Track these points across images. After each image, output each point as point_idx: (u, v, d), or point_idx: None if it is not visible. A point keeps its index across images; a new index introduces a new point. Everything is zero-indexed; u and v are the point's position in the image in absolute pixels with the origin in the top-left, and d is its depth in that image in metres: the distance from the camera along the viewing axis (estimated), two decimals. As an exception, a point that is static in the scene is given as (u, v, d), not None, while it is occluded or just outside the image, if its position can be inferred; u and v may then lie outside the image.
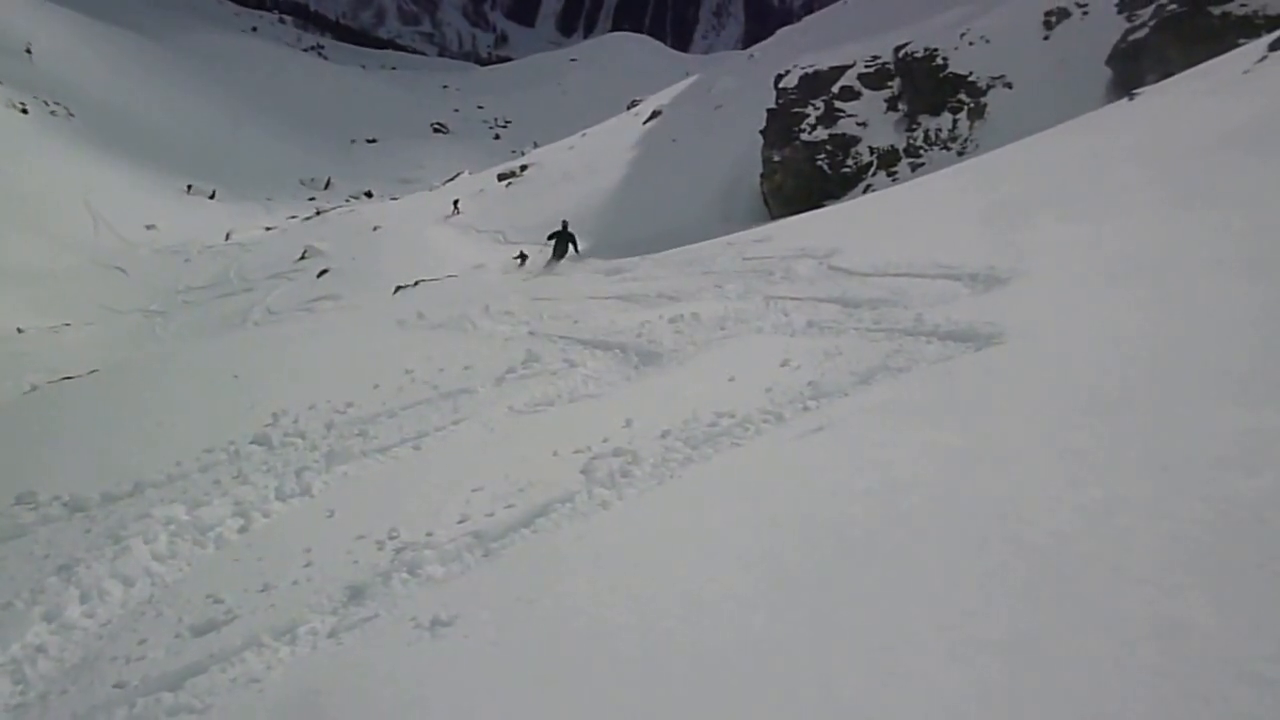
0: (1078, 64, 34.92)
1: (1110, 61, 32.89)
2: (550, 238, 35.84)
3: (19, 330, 40.70)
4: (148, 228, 72.30)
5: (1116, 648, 3.06)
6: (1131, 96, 21.99)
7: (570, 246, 34.81)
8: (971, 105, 38.12)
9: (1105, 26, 34.61)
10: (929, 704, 3.06)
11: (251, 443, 8.94)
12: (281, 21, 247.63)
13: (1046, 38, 38.06)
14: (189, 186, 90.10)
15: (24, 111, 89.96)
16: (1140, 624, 3.15)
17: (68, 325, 43.08)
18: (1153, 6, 32.02)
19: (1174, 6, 30.34)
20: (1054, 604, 3.39)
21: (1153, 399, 5.24)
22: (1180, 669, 2.88)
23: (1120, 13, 34.72)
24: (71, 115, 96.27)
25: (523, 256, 43.35)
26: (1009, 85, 37.64)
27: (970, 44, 39.53)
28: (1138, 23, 32.40)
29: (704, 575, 4.45)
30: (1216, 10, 28.75)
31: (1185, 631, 3.05)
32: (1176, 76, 22.36)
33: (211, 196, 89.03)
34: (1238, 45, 22.60)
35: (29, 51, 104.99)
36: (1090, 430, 4.96)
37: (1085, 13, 37.46)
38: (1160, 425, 4.82)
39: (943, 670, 3.20)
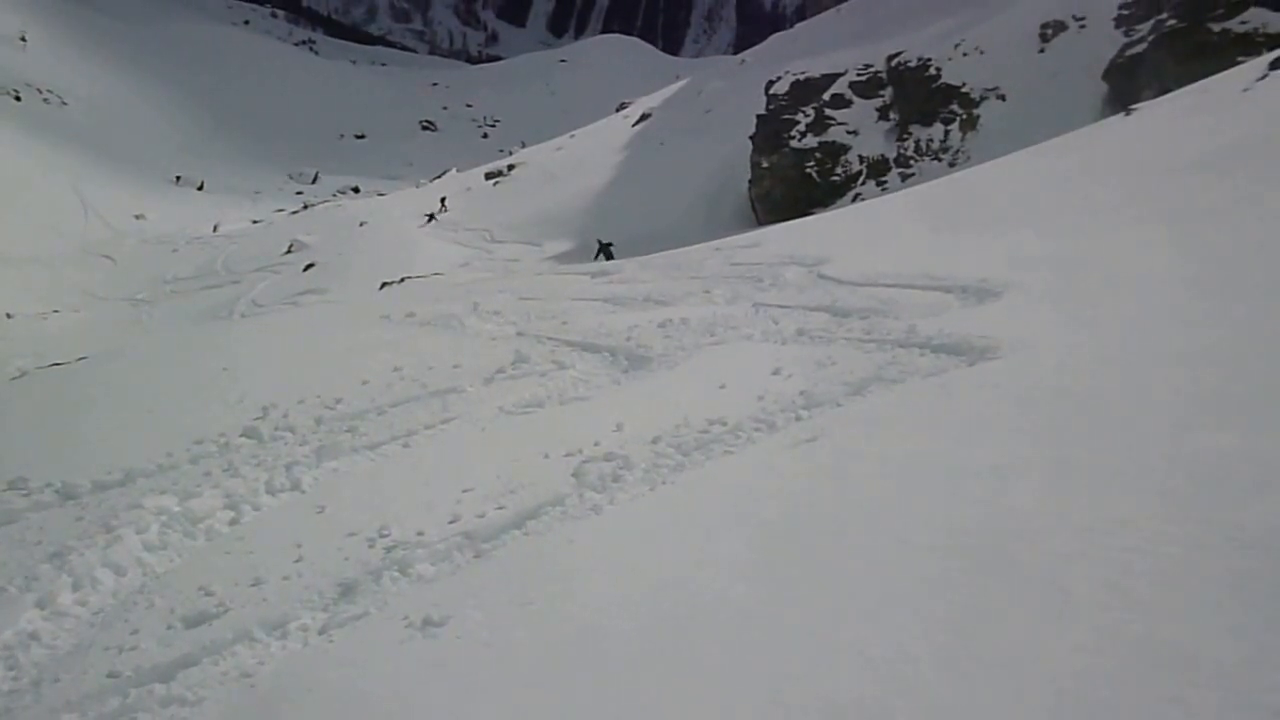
0: (1073, 78, 35.00)
1: (1106, 76, 33.02)
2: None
3: (8, 316, 40.68)
4: (136, 217, 72.36)
5: (1123, 672, 3.07)
6: (1128, 112, 22.05)
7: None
8: (964, 116, 38.25)
9: (1102, 41, 34.71)
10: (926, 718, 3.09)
11: (241, 435, 8.92)
12: (274, 16, 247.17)
13: (1042, 50, 38.17)
14: (178, 177, 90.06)
15: (17, 99, 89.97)
16: (1144, 649, 3.15)
17: (56, 312, 43.09)
18: (1151, 21, 32.15)
19: (1173, 22, 30.45)
20: (1054, 626, 3.39)
21: (1153, 416, 5.27)
22: (1185, 695, 2.89)
23: (1118, 27, 34.88)
24: (64, 104, 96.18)
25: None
26: (1002, 97, 37.76)
27: (964, 55, 39.65)
28: (1135, 38, 32.53)
29: (698, 583, 4.46)
30: (1216, 27, 28.84)
31: (1191, 659, 3.05)
32: (1174, 93, 22.38)
33: (200, 188, 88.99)
34: (1237, 63, 22.66)
35: (23, 40, 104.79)
36: (1090, 449, 4.97)
37: (1082, 26, 37.56)
38: (1162, 445, 4.84)
39: (943, 687, 3.21)
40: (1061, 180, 16.44)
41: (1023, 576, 3.78)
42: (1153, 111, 20.46)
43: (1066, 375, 6.50)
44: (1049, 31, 38.44)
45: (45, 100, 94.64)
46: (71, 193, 73.26)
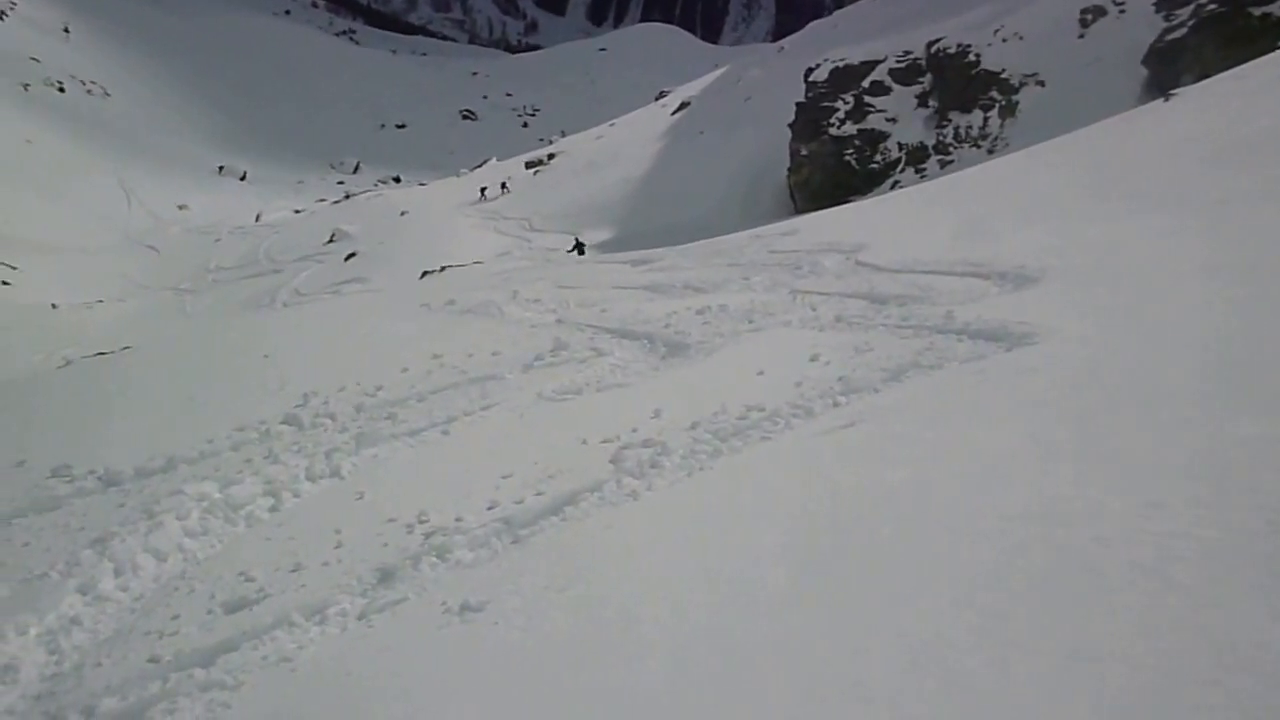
0: (1113, 63, 34.72)
1: (1146, 61, 32.75)
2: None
3: (53, 306, 40.98)
4: (179, 207, 73.01)
5: (1161, 656, 3.04)
6: (1167, 97, 21.86)
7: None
8: (1003, 103, 38.02)
9: (1142, 26, 34.42)
10: (965, 706, 3.07)
11: (282, 423, 8.97)
12: (314, 6, 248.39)
13: (1082, 36, 37.90)
14: (220, 167, 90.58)
15: (61, 90, 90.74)
16: (1186, 633, 3.12)
17: (101, 301, 43.44)
18: (1191, 6, 31.87)
19: (1213, 7, 30.21)
20: (1096, 610, 3.36)
21: (1190, 402, 5.21)
22: (1224, 678, 2.86)
23: (1158, 12, 34.56)
24: (108, 95, 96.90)
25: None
26: (1042, 83, 37.51)
27: (1004, 41, 39.41)
28: (1176, 22, 32.26)
29: (735, 568, 4.46)
30: (1257, 11, 28.62)
31: (1230, 642, 3.02)
32: (1214, 78, 22.18)
33: (242, 178, 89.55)
34: (1278, 47, 22.46)
35: (66, 31, 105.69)
36: (1129, 434, 4.93)
37: (1122, 11, 37.28)
38: (1199, 430, 4.79)
39: (980, 672, 3.18)
40: (1101, 167, 16.31)
41: (1060, 561, 3.74)
42: (1192, 97, 20.28)
43: (1104, 361, 6.45)
44: (1088, 17, 38.20)
45: (89, 91, 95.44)
46: (115, 183, 73.91)
